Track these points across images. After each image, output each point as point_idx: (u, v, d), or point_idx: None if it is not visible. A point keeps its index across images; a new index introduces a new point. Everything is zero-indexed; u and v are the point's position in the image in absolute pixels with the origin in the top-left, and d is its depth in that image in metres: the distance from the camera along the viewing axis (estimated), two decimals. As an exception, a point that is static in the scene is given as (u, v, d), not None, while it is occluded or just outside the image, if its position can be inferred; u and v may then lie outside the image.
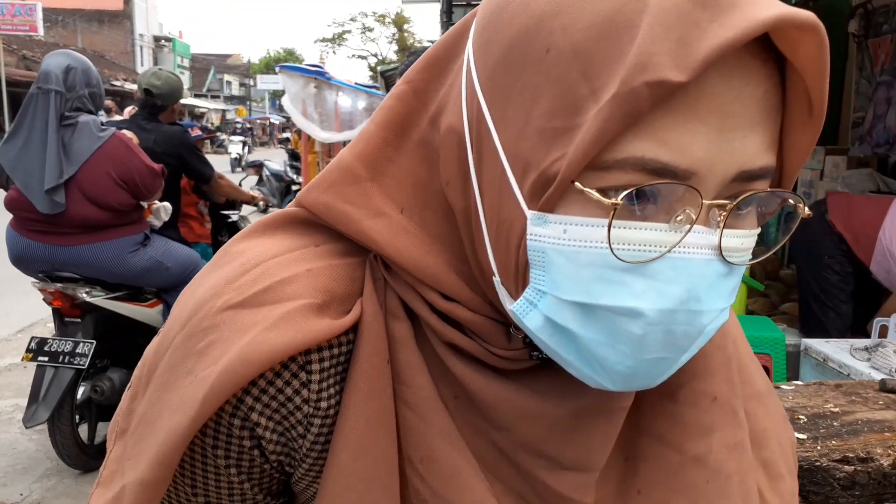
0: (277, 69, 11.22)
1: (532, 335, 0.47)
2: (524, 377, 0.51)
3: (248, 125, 40.87)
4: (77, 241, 2.77)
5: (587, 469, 0.51)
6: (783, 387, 1.57)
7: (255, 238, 0.55)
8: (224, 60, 57.14)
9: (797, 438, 1.26)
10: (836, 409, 1.37)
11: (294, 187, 11.88)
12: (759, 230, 0.46)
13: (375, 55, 36.87)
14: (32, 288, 2.94)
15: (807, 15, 0.39)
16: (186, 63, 47.15)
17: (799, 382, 1.66)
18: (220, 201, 4.34)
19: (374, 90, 12.63)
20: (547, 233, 0.43)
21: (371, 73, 32.75)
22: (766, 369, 3.00)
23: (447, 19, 6.17)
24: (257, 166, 11.99)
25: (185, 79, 44.22)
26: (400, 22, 35.38)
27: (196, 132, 3.94)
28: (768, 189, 0.44)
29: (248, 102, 54.27)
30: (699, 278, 0.42)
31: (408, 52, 32.15)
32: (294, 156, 12.96)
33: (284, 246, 0.53)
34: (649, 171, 0.40)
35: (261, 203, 4.73)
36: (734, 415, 0.56)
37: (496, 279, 0.48)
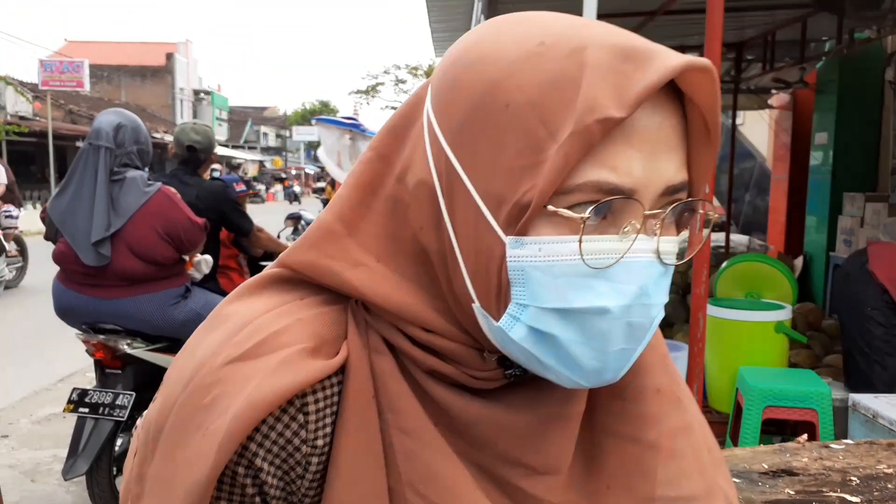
0: (313, 121, 11.46)
1: (517, 346, 0.53)
2: (496, 395, 0.59)
3: (283, 174, 41.67)
4: (120, 293, 2.83)
5: (557, 472, 0.59)
6: (832, 446, 1.52)
7: (244, 299, 0.61)
8: (261, 112, 58.72)
9: (850, 501, 1.22)
10: (890, 471, 1.33)
11: (328, 236, 11.99)
12: (682, 236, 0.56)
13: (408, 106, 37.58)
14: (74, 338, 3.00)
15: (704, 60, 0.50)
16: (224, 115, 48.53)
17: (849, 441, 1.61)
18: (258, 254, 4.41)
19: (406, 141, 12.82)
20: (524, 253, 0.51)
21: (403, 124, 33.31)
22: (812, 426, 2.91)
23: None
24: (295, 218, 12.20)
25: (223, 130, 45.46)
26: (432, 73, 36.12)
27: (241, 187, 4.05)
28: (689, 199, 0.54)
29: (283, 153, 55.50)
30: (647, 277, 0.52)
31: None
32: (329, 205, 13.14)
33: (273, 303, 0.59)
34: (603, 192, 0.50)
35: (297, 254, 4.79)
36: (678, 402, 0.65)
37: (475, 305, 0.55)
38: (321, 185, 24.47)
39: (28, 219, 10.64)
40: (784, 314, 3.55)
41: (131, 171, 2.84)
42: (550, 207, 0.50)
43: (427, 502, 0.55)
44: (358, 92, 37.98)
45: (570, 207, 0.50)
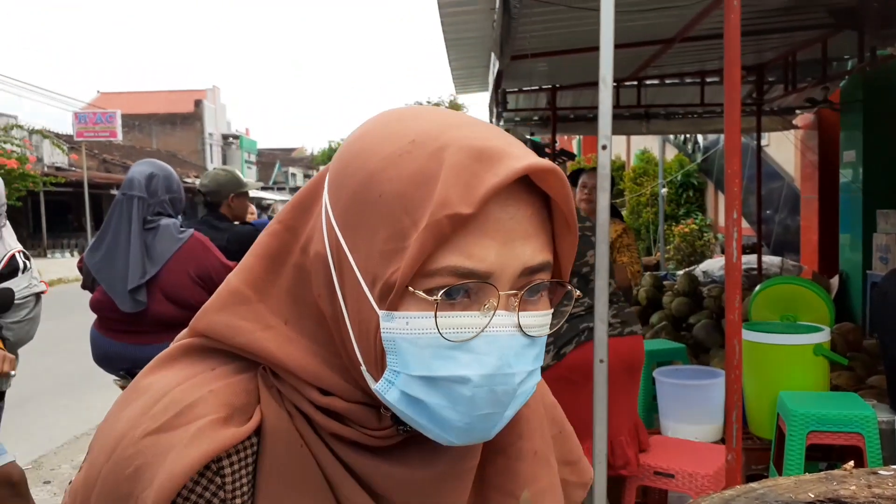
0: (339, 161, 11.48)
1: (393, 408, 0.60)
2: (395, 452, 0.64)
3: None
4: (156, 339, 2.88)
5: None
6: (881, 472, 1.48)
7: (159, 371, 0.65)
8: (289, 154, 59.72)
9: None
10: (942, 497, 1.29)
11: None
12: (551, 311, 0.62)
13: (431, 141, 37.89)
14: (113, 384, 3.05)
15: (547, 163, 0.57)
16: (253, 158, 49.41)
17: (897, 467, 1.56)
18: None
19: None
20: (394, 326, 0.57)
21: (428, 159, 33.55)
22: (859, 450, 2.83)
23: (496, 108, 6.35)
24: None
25: (253, 173, 46.23)
26: (454, 109, 36.54)
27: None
28: (548, 280, 0.61)
29: (310, 192, 56.07)
30: (507, 349, 0.58)
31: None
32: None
33: (185, 374, 0.64)
34: (459, 276, 0.56)
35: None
36: (548, 464, 0.74)
37: (363, 368, 0.61)
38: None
39: (66, 266, 10.86)
40: (822, 336, 3.48)
41: (164, 219, 2.91)
42: (410, 289, 0.56)
43: None
44: (382, 129, 38.48)
45: (432, 288, 0.56)
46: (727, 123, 2.16)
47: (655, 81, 6.40)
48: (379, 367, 0.59)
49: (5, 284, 2.87)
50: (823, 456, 3.32)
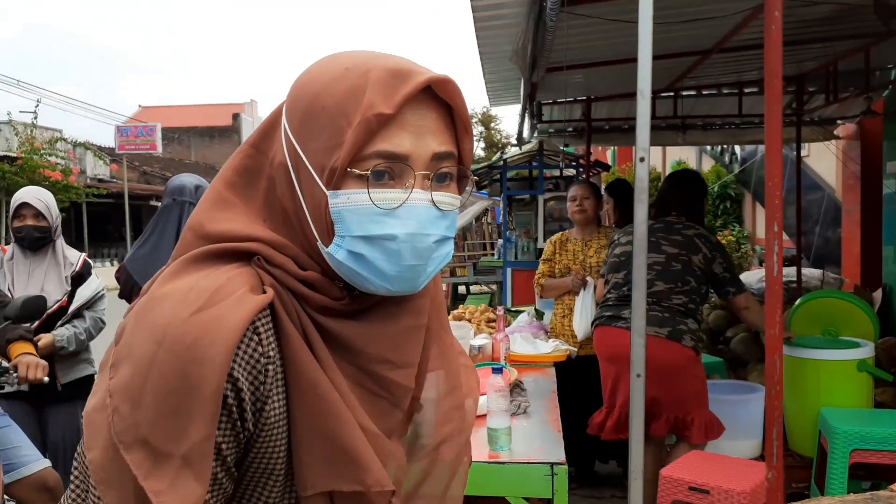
0: (373, 173, 11.45)
1: (342, 266, 0.79)
2: (365, 315, 0.83)
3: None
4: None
5: (411, 365, 0.84)
6: (928, 493, 1.44)
7: (172, 281, 0.78)
8: (322, 165, 60.21)
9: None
10: None
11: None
12: (458, 195, 0.83)
13: (464, 152, 37.89)
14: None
15: (443, 76, 0.78)
16: (288, 170, 49.90)
17: (946, 488, 1.52)
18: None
19: (465, 187, 12.83)
20: (339, 201, 0.77)
21: (461, 170, 33.50)
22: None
23: (531, 118, 6.34)
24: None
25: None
26: (487, 121, 36.49)
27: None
28: (453, 169, 0.81)
29: (344, 203, 56.56)
30: (424, 217, 0.78)
31: (495, 147, 32.91)
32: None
33: (198, 276, 0.77)
34: (385, 158, 0.76)
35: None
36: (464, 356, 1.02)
37: (318, 243, 0.80)
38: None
39: (106, 275, 11.06)
40: (866, 351, 3.39)
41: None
42: (349, 169, 0.76)
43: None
44: (415, 141, 38.60)
45: (365, 171, 0.76)
46: (768, 135, 2.13)
47: (692, 92, 6.33)
48: (330, 237, 0.79)
49: (86, 284, 3.22)
50: (867, 475, 3.24)
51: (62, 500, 0.87)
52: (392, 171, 0.77)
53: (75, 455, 0.85)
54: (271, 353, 0.77)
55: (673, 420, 3.07)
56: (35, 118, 17.46)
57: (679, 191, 3.39)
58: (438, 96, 0.79)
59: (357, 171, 0.76)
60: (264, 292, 0.78)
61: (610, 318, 3.31)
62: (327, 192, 0.77)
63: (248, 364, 0.75)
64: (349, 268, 0.78)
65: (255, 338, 0.76)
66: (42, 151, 17.12)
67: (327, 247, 0.79)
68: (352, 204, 0.76)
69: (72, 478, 0.85)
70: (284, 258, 0.80)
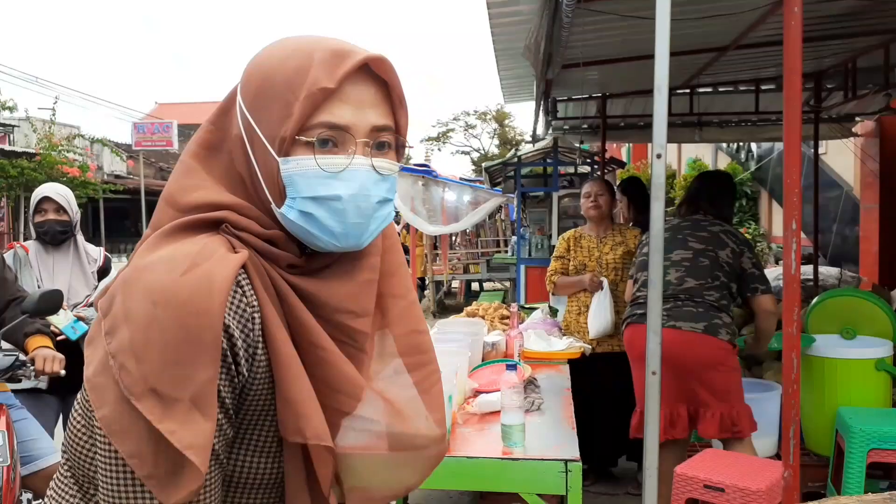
0: (388, 169, 11.44)
1: (295, 225, 0.88)
2: (323, 272, 0.92)
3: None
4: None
5: (368, 314, 0.93)
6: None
7: (154, 251, 0.85)
8: (336, 162, 60.31)
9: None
10: None
11: (404, 281, 12.16)
12: (396, 162, 0.93)
13: (478, 150, 37.94)
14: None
15: (378, 55, 0.88)
16: (302, 166, 50.03)
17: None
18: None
19: (478, 184, 12.91)
20: (289, 167, 0.87)
21: (474, 167, 33.57)
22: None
23: (545, 115, 6.32)
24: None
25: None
26: (501, 118, 36.41)
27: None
28: (391, 139, 0.92)
29: (358, 200, 56.67)
30: (366, 179, 0.88)
31: (509, 144, 32.84)
32: (403, 249, 13.35)
33: (175, 245, 0.85)
34: (329, 127, 0.86)
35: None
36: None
37: (273, 205, 0.89)
38: (396, 228, 24.84)
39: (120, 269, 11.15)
40: (884, 350, 3.36)
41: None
42: (298, 137, 0.86)
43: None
44: (429, 139, 38.67)
45: (312, 139, 0.86)
46: (787, 133, 2.11)
47: (708, 89, 6.29)
48: (283, 199, 0.88)
49: (108, 278, 3.25)
50: (885, 475, 3.21)
51: (57, 473, 0.96)
52: (335, 139, 0.87)
53: (69, 426, 0.92)
54: (255, 304, 0.86)
55: (719, 417, 3.01)
56: (53, 115, 17.63)
57: (709, 190, 3.36)
58: (376, 75, 0.89)
59: (305, 138, 0.86)
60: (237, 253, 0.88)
61: (642, 317, 3.22)
62: (278, 159, 0.87)
63: (237, 314, 0.84)
64: (300, 226, 0.88)
65: (240, 290, 0.85)
66: (60, 148, 17.28)
67: (280, 208, 0.88)
68: (300, 168, 0.86)
69: (65, 446, 0.93)
70: (248, 221, 0.89)
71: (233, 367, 0.84)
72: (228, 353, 0.83)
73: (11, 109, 17.21)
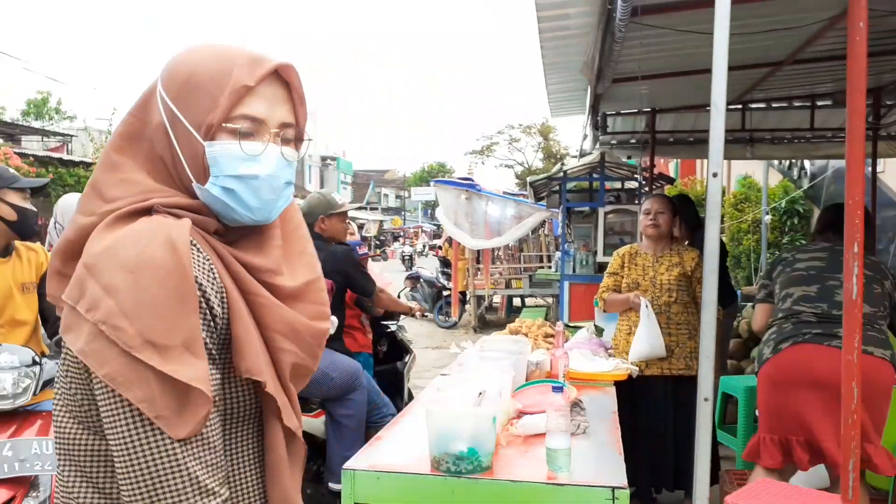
0: (432, 183, 11.68)
1: (217, 200, 1.04)
2: (242, 241, 1.08)
3: (402, 233, 42.90)
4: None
5: (283, 272, 1.09)
6: None
7: (108, 235, 0.97)
8: (382, 175, 60.97)
9: None
10: None
11: (445, 293, 12.18)
12: (297, 153, 1.11)
13: (522, 164, 37.86)
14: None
15: (288, 62, 1.06)
16: (349, 179, 50.72)
17: None
18: (379, 313, 4.49)
19: (521, 198, 12.82)
20: (214, 149, 1.03)
21: (518, 181, 33.49)
22: None
23: (594, 129, 6.25)
24: (414, 278, 12.46)
25: (347, 193, 47.43)
26: (545, 132, 36.28)
27: (363, 250, 4.22)
28: (293, 133, 1.10)
29: (402, 213, 57.15)
30: (277, 163, 1.06)
31: (554, 159, 32.67)
32: (445, 263, 13.36)
33: (125, 228, 0.98)
34: (248, 119, 1.04)
35: (417, 313, 4.82)
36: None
37: (194, 183, 1.04)
38: (438, 242, 24.92)
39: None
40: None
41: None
42: (224, 125, 1.02)
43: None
44: (473, 152, 38.73)
45: (234, 128, 1.03)
46: (849, 152, 2.02)
47: (762, 105, 6.14)
48: (205, 178, 1.03)
49: None
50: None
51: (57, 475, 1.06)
52: (253, 129, 1.04)
53: (55, 422, 1.03)
54: (210, 258, 1.01)
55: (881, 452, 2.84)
56: (110, 125, 18.17)
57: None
58: (283, 79, 1.07)
59: (230, 126, 1.02)
60: None
61: (820, 336, 2.94)
62: (204, 143, 1.02)
63: (201, 267, 0.98)
64: (222, 201, 1.03)
65: (195, 248, 0.99)
66: (115, 157, 17.75)
67: (204, 185, 1.03)
68: (224, 151, 1.02)
69: (59, 441, 1.03)
70: (175, 199, 1.03)
71: (208, 312, 0.97)
72: (203, 302, 0.96)
73: (71, 119, 17.80)
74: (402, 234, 43.44)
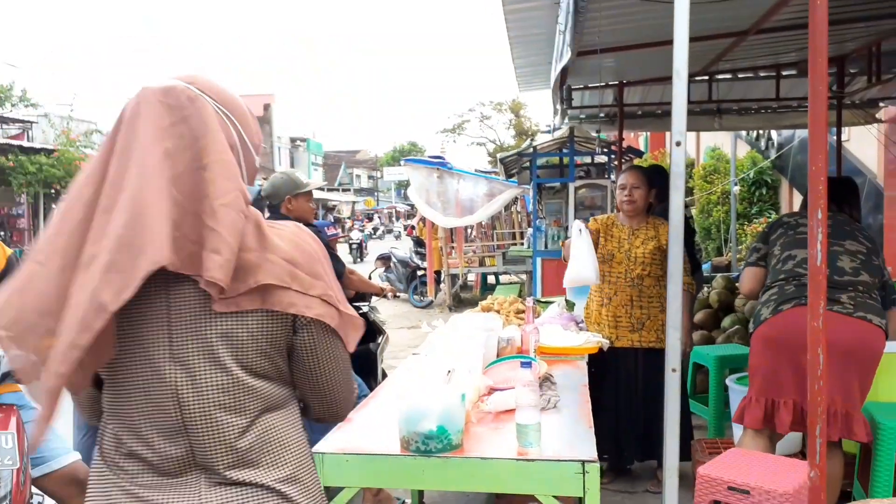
0: (403, 162, 11.59)
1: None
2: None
3: (375, 213, 42.71)
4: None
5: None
6: None
7: (273, 230, 1.25)
8: (353, 156, 60.46)
9: None
10: None
11: (419, 272, 12.16)
12: None
13: (493, 141, 37.76)
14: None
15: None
16: (319, 160, 50.22)
17: None
18: (350, 295, 4.45)
19: (493, 175, 12.82)
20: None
21: (490, 159, 33.43)
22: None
23: (561, 105, 6.23)
24: (385, 259, 12.40)
25: (319, 175, 47.01)
26: (516, 108, 36.21)
27: (332, 231, 4.17)
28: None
29: (375, 193, 56.83)
30: None
31: (525, 135, 32.66)
32: (419, 243, 13.32)
33: (276, 223, 1.28)
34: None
35: (389, 294, 4.79)
36: None
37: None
38: (410, 222, 24.80)
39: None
40: (912, 343, 3.25)
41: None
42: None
43: None
44: (444, 131, 38.55)
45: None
46: (812, 119, 2.02)
47: (727, 76, 6.16)
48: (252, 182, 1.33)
49: None
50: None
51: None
52: None
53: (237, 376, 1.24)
54: None
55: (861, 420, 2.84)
56: (71, 111, 17.76)
57: (850, 194, 3.30)
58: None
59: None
60: None
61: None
62: (256, 157, 1.32)
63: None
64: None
65: None
66: (78, 144, 17.40)
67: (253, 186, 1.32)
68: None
69: (250, 384, 1.24)
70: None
71: None
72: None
73: (35, 106, 17.36)
74: (375, 214, 43.26)
